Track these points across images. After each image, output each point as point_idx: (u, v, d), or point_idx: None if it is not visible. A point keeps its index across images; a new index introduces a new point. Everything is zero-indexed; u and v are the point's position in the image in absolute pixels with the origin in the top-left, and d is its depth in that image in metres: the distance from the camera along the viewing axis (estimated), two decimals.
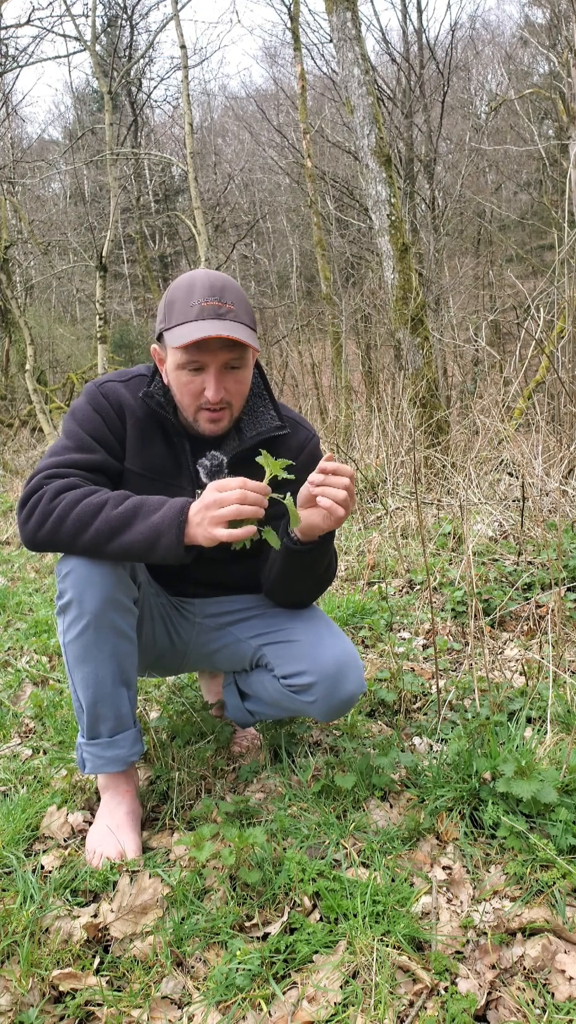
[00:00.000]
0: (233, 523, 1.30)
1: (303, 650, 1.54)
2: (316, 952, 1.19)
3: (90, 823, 1.58)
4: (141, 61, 15.57)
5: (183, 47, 8.93)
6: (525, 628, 2.51)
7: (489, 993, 1.10)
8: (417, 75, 13.01)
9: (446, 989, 1.10)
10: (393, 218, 5.58)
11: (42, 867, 1.45)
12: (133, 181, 16.65)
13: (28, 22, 9.22)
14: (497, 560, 2.98)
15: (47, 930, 1.27)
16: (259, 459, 1.33)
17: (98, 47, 10.14)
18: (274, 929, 1.23)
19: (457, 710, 1.93)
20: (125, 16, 14.35)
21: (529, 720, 1.79)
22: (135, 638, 1.49)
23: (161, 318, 1.43)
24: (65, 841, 1.54)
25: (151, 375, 1.53)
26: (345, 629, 2.69)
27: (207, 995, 1.13)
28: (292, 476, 1.34)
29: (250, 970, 1.14)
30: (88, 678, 1.44)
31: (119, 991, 1.16)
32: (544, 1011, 1.07)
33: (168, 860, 1.44)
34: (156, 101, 18.50)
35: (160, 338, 1.45)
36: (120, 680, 1.46)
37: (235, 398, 1.46)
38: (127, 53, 14.33)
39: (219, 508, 1.28)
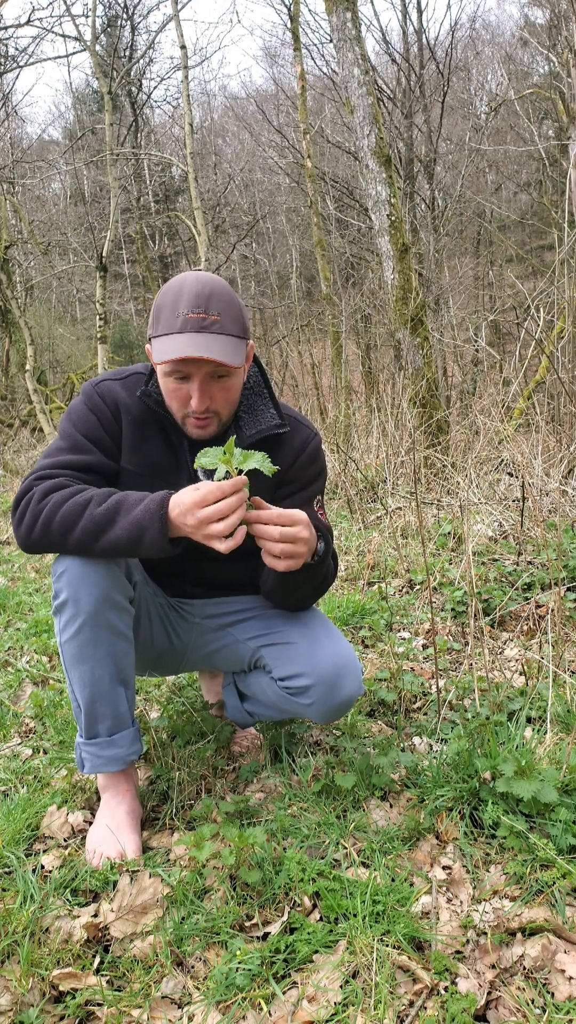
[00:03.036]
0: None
1: (300, 652, 1.54)
2: (316, 952, 1.19)
3: (90, 823, 1.58)
4: (141, 61, 15.58)
5: (183, 47, 8.94)
6: (525, 628, 2.51)
7: (489, 993, 1.10)
8: (417, 75, 13.01)
9: (446, 989, 1.10)
10: (393, 218, 5.58)
11: (42, 867, 1.45)
12: (133, 181, 16.66)
13: (28, 22, 9.23)
14: (497, 560, 2.98)
15: (47, 930, 1.27)
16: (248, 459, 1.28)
17: (98, 47, 10.14)
18: (274, 929, 1.23)
19: (457, 710, 1.93)
20: (125, 16, 14.37)
21: (529, 720, 1.79)
22: (132, 637, 1.49)
23: (151, 322, 1.43)
24: (65, 841, 1.54)
25: (148, 374, 1.53)
26: (345, 629, 2.69)
27: (207, 995, 1.13)
28: (277, 469, 1.31)
29: (250, 970, 1.14)
30: (85, 677, 1.44)
31: (119, 991, 1.16)
32: (544, 1011, 1.07)
33: (168, 860, 1.44)
34: (156, 101, 18.55)
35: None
36: (117, 679, 1.46)
37: (222, 406, 1.45)
38: (127, 53, 14.34)
39: (210, 525, 1.26)
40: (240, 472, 1.29)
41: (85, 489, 1.36)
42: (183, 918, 1.27)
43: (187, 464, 1.53)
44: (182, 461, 1.53)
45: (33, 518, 1.35)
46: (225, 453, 1.27)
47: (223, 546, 1.27)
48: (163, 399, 1.49)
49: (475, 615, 2.38)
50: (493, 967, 1.14)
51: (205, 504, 1.26)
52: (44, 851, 1.51)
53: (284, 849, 1.40)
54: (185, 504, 1.28)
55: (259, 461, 1.28)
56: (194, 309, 1.36)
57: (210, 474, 1.53)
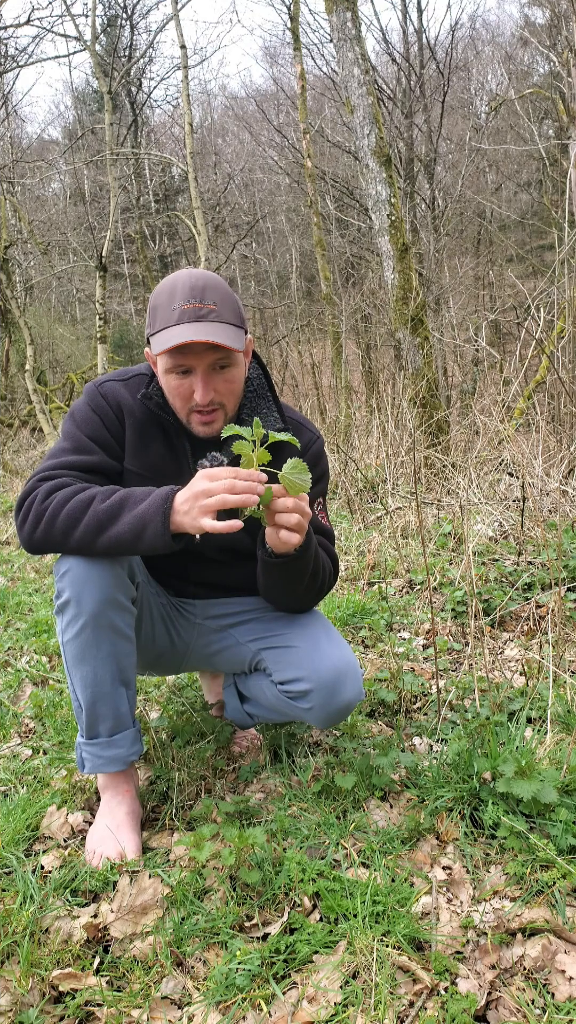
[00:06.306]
0: (230, 514, 1.29)
1: (300, 656, 1.54)
2: (316, 952, 1.19)
3: (90, 823, 1.58)
4: (141, 61, 15.58)
5: (183, 47, 8.93)
6: (525, 628, 2.51)
7: (489, 993, 1.10)
8: (417, 75, 13.00)
9: (446, 989, 1.10)
10: (393, 218, 5.58)
11: (42, 867, 1.45)
12: (133, 181, 16.65)
13: (28, 22, 9.21)
14: (497, 560, 2.98)
15: (47, 930, 1.27)
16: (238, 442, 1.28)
17: (98, 47, 10.13)
18: (274, 929, 1.23)
19: (457, 710, 1.92)
20: (125, 16, 14.36)
21: (529, 720, 1.79)
22: (134, 637, 1.49)
23: (148, 322, 1.44)
24: (65, 841, 1.54)
25: (150, 375, 1.53)
26: (345, 629, 2.69)
27: (207, 995, 1.13)
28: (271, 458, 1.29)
29: (250, 970, 1.14)
30: (87, 678, 1.44)
31: (119, 991, 1.16)
32: (544, 1011, 1.07)
33: (168, 860, 1.44)
34: (156, 101, 18.56)
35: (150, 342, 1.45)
36: (119, 680, 1.46)
37: (226, 398, 1.45)
38: (127, 53, 14.33)
39: (207, 497, 1.26)
40: (261, 445, 1.27)
41: (89, 487, 1.37)
42: (183, 918, 1.27)
43: (189, 467, 1.53)
44: (184, 464, 1.53)
45: (37, 517, 1.34)
46: (251, 438, 1.25)
47: (209, 524, 1.25)
48: (164, 401, 1.49)
49: (475, 615, 2.37)
50: (493, 967, 1.14)
51: (215, 478, 1.25)
52: (44, 851, 1.51)
53: (284, 849, 1.40)
54: (196, 479, 1.28)
55: (292, 466, 1.27)
56: (190, 300, 1.36)
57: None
